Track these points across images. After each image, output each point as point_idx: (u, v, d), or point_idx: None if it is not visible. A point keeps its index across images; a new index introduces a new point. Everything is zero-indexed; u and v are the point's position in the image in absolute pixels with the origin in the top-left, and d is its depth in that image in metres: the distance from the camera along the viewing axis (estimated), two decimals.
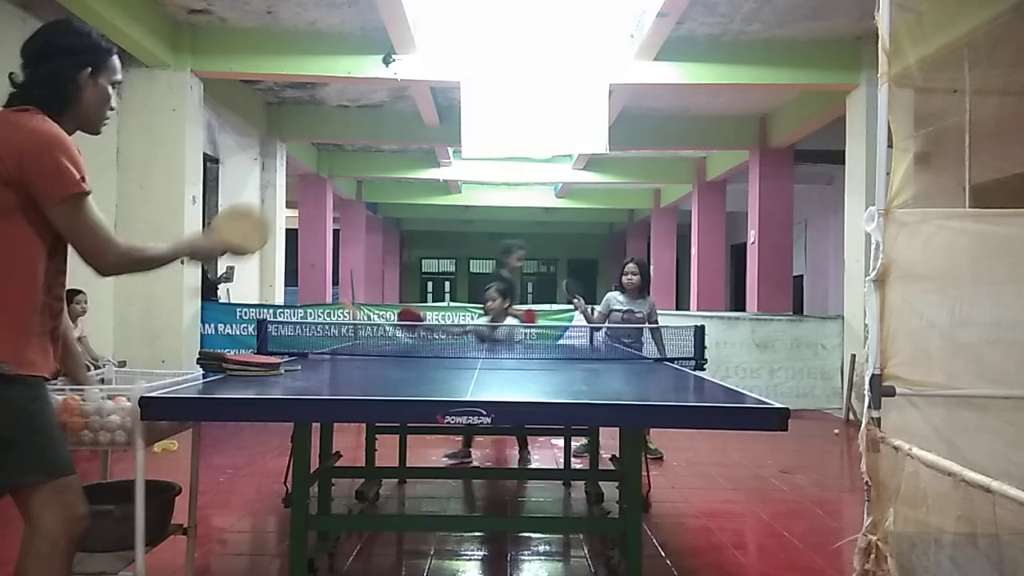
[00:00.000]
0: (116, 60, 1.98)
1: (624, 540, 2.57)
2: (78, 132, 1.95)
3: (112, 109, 1.98)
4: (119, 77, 1.98)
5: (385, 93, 8.94)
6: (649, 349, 4.93)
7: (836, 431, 6.74)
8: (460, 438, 5.30)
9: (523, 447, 5.39)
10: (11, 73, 1.88)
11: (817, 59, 7.10)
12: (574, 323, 7.02)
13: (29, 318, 1.79)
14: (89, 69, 1.89)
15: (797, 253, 11.91)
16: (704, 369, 3.76)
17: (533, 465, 5.27)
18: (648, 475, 2.80)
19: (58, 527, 1.76)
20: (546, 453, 5.59)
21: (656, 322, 5.37)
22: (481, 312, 5.48)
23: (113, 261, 1.86)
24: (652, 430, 5.48)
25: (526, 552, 3.39)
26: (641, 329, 5.20)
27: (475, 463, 5.14)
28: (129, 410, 2.14)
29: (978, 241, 2.28)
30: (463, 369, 3.23)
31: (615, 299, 5.50)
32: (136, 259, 1.93)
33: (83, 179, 1.79)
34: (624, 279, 5.52)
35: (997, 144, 2.66)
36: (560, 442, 4.96)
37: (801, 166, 10.39)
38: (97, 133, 1.98)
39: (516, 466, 5.14)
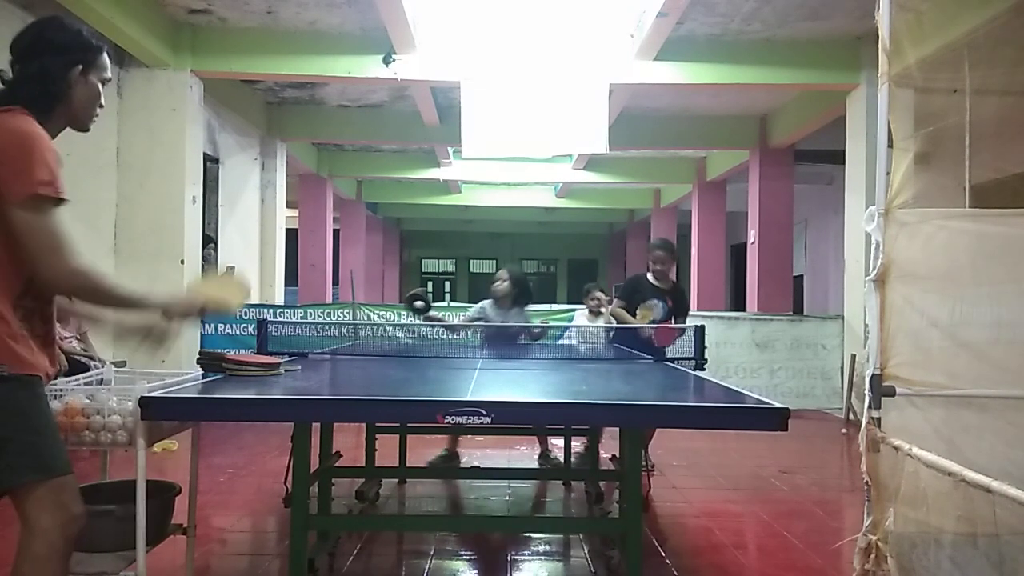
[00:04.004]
0: (106, 58, 1.95)
1: (624, 540, 2.58)
2: (74, 134, 1.94)
3: (101, 106, 1.95)
4: (109, 75, 1.96)
5: (385, 93, 8.94)
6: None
7: (844, 431, 6.74)
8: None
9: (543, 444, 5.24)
10: (0, 70, 1.85)
11: (817, 59, 7.10)
12: (573, 323, 7.01)
13: (15, 321, 1.76)
14: (80, 67, 1.86)
15: (797, 253, 11.91)
16: (704, 369, 3.76)
17: (529, 464, 5.27)
18: (648, 475, 2.80)
19: (54, 527, 1.74)
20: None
21: (536, 334, 4.95)
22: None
23: (66, 273, 1.72)
24: (654, 437, 5.45)
25: (526, 552, 3.39)
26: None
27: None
28: (130, 410, 2.14)
29: (978, 241, 2.28)
30: (463, 369, 3.23)
31: (485, 311, 4.92)
32: (94, 284, 1.79)
33: (53, 183, 1.71)
34: (493, 286, 4.92)
35: (997, 144, 2.66)
36: (560, 442, 4.96)
37: (801, 166, 10.38)
38: (86, 130, 1.95)
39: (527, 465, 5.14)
